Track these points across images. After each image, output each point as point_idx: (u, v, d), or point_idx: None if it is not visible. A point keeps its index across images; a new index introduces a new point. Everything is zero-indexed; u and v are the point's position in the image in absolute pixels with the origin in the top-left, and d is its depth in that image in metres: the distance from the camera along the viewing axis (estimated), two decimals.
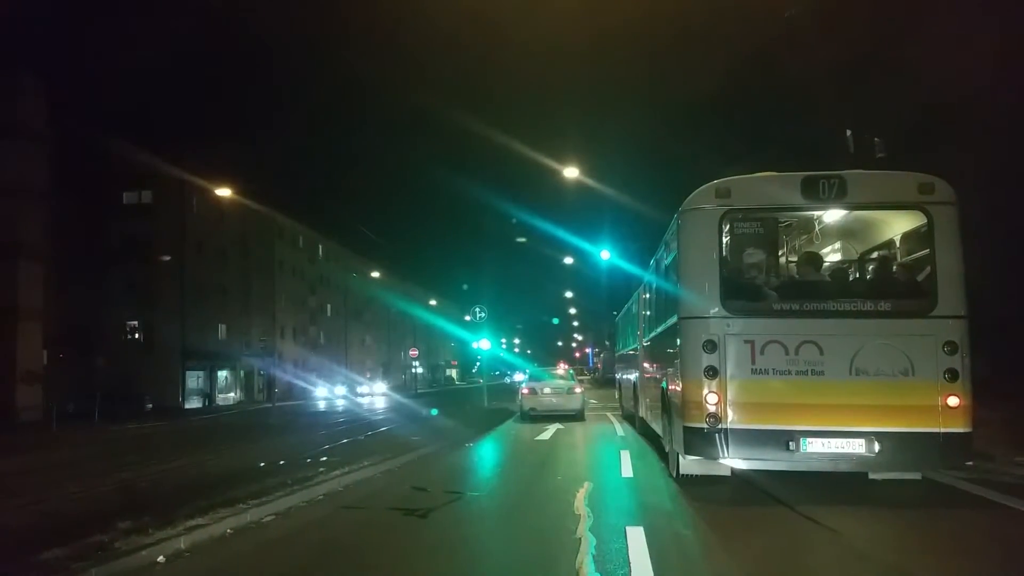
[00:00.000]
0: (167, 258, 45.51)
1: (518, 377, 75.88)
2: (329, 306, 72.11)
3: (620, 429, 15.85)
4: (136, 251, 45.66)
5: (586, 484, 8.05)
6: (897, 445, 6.39)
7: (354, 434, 17.24)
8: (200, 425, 28.37)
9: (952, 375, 6.36)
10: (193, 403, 46.95)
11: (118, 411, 32.47)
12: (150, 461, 13.49)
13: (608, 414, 20.94)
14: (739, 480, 7.43)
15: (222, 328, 51.96)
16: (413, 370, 71.94)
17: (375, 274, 67.99)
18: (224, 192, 33.08)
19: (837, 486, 7.17)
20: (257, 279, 57.27)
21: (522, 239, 32.10)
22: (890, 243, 7.81)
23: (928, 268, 6.71)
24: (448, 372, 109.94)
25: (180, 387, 46.94)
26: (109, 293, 44.60)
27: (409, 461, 10.91)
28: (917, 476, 7.26)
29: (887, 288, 6.99)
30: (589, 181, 26.88)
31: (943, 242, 6.59)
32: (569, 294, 69.05)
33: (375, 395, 57.19)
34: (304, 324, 66.45)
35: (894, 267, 7.46)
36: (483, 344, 28.35)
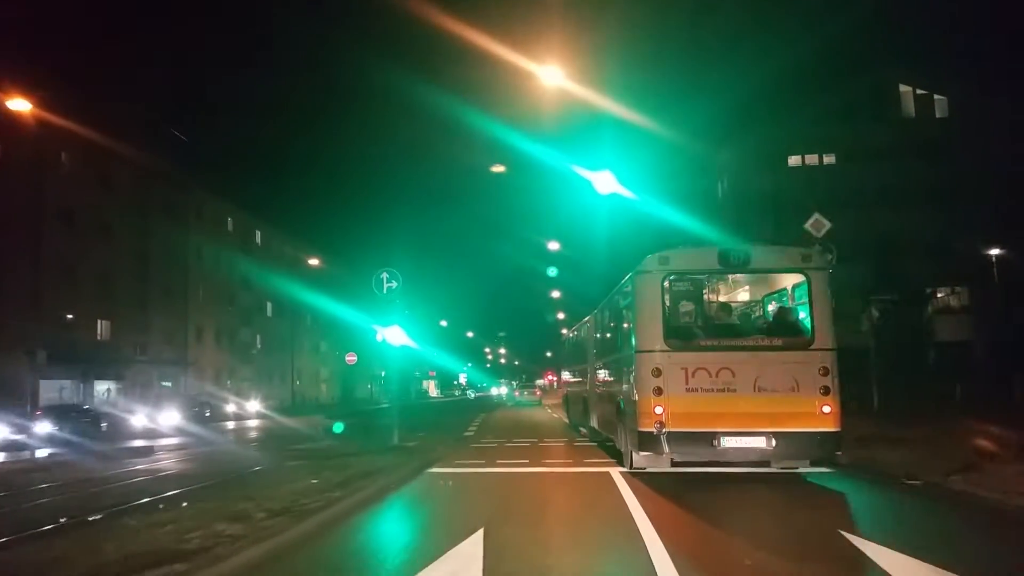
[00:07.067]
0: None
1: (495, 392, 72.59)
2: (270, 304, 60.17)
3: (640, 514, 5.56)
4: None
5: None
6: (788, 441, 9.11)
7: None
8: None
9: (825, 390, 9.07)
10: None
11: None
12: None
13: (611, 471, 9.64)
14: None
15: (103, 325, 40.06)
16: (382, 379, 59.96)
17: (315, 261, 55.86)
18: (23, 104, 20.87)
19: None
20: (162, 265, 45.40)
21: (499, 168, 21.32)
22: (783, 292, 10.66)
23: (807, 314, 9.51)
24: (424, 384, 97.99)
25: (33, 400, 35.09)
26: None
27: None
28: (807, 465, 10.10)
29: (780, 329, 9.86)
30: (573, 85, 17.95)
31: (817, 296, 9.45)
32: (556, 294, 58.66)
33: (244, 418, 40.09)
34: (233, 325, 54.48)
35: (785, 313, 10.12)
36: (391, 335, 16.43)
